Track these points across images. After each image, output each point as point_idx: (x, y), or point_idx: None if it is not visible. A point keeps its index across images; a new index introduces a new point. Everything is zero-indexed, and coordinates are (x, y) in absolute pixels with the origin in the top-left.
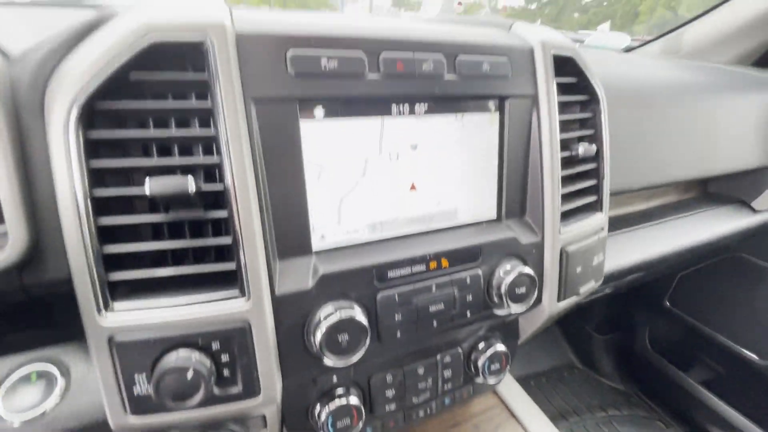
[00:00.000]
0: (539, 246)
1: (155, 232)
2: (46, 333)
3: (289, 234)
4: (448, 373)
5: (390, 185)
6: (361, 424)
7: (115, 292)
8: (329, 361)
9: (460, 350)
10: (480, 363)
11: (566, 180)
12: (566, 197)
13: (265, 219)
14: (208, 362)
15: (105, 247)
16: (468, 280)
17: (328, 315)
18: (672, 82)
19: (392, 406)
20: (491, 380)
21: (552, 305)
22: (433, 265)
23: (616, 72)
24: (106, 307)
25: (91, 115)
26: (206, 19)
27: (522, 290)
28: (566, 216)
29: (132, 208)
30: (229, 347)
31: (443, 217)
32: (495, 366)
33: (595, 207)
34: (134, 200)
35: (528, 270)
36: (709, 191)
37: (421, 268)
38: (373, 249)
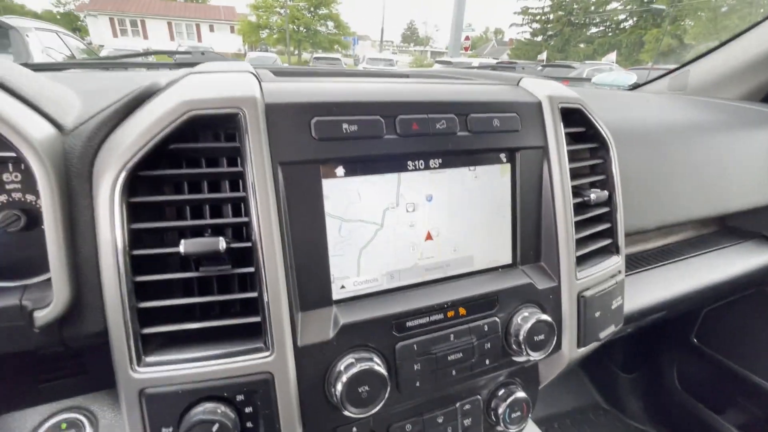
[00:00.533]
0: (556, 291)
1: (185, 287)
2: (77, 382)
3: (311, 286)
4: (467, 422)
5: (407, 235)
6: None
7: (147, 345)
8: (350, 413)
9: (479, 398)
10: (500, 411)
11: (580, 225)
12: (580, 242)
13: (288, 273)
14: (233, 415)
15: (140, 303)
16: (486, 328)
17: (349, 365)
18: (682, 121)
19: None
20: (512, 429)
21: (572, 351)
22: (451, 314)
23: (626, 112)
24: (139, 361)
25: (134, 181)
26: (239, 93)
27: (540, 337)
28: (582, 260)
29: (165, 266)
30: (253, 399)
31: (460, 264)
32: (516, 414)
33: (611, 250)
34: (168, 258)
35: (546, 317)
36: (728, 225)
37: (439, 316)
38: (391, 298)
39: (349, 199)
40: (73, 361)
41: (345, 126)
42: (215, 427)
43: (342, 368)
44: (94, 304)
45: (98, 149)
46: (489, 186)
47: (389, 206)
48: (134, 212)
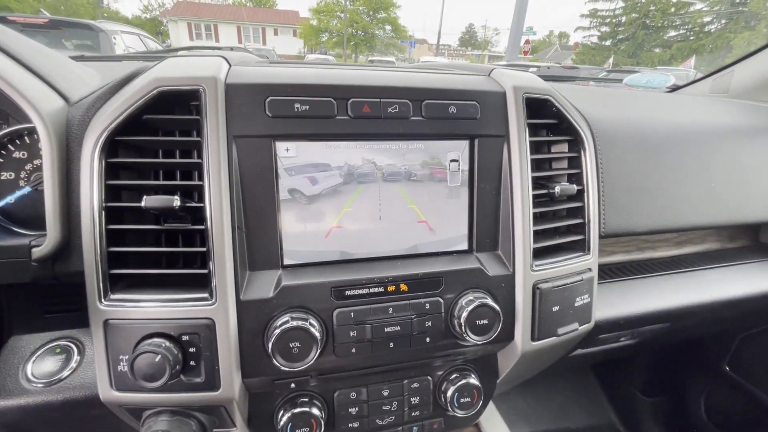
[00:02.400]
0: (509, 280)
1: (154, 240)
2: (72, 317)
3: (261, 250)
4: (415, 400)
5: (359, 212)
6: None
7: (114, 286)
8: (279, 364)
9: (429, 378)
10: (449, 394)
11: (543, 217)
12: (542, 234)
13: (236, 235)
14: (175, 351)
15: (110, 248)
16: (427, 306)
17: (284, 322)
18: (719, 123)
19: (355, 424)
20: (459, 413)
21: (525, 343)
22: (391, 288)
23: (651, 112)
24: (106, 296)
25: (114, 146)
26: (202, 73)
27: (483, 322)
28: (543, 253)
29: (136, 221)
30: (195, 341)
31: (411, 245)
32: (465, 399)
33: (581, 247)
34: (138, 214)
35: (490, 302)
36: (762, 241)
37: (379, 289)
38: (337, 268)
39: (301, 175)
40: (70, 299)
41: (297, 105)
42: (158, 357)
43: (277, 323)
44: (79, 247)
45: (92, 118)
46: (446, 169)
47: (342, 183)
48: (114, 173)
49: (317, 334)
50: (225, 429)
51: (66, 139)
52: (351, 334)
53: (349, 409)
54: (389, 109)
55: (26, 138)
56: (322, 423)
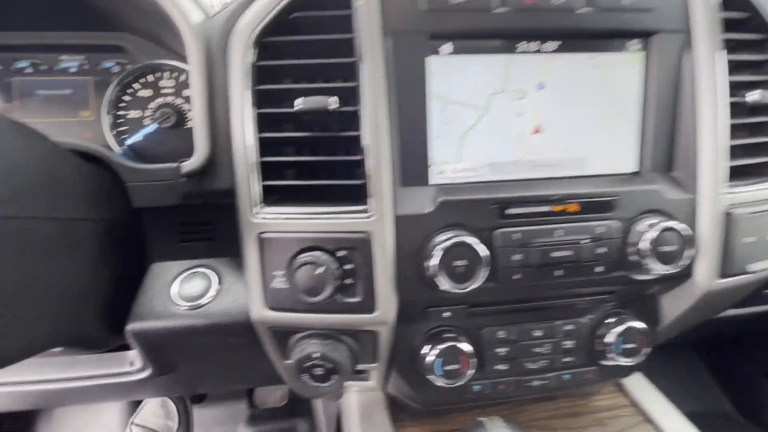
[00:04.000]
0: (690, 204)
1: (301, 150)
2: (207, 246)
3: (410, 164)
4: (569, 344)
5: (513, 125)
6: (469, 373)
7: (267, 199)
8: (444, 286)
9: (585, 321)
10: (610, 338)
11: (736, 132)
12: (735, 151)
13: (391, 144)
14: (335, 264)
15: (263, 158)
16: (603, 229)
17: (446, 239)
18: None
19: (504, 366)
20: (622, 360)
21: (709, 281)
22: (558, 208)
23: None
24: (259, 208)
25: (261, 48)
26: None
27: (671, 248)
28: (736, 175)
29: (284, 128)
30: (353, 256)
31: (572, 165)
32: (629, 345)
33: None
34: (286, 118)
35: (679, 225)
36: None
37: (546, 209)
38: (492, 187)
39: (453, 79)
40: (205, 227)
41: None
42: (320, 269)
43: (438, 240)
44: (225, 164)
45: (232, 28)
46: (614, 78)
47: (495, 91)
48: (260, 77)
49: (483, 252)
50: (366, 365)
51: (207, 53)
52: (513, 257)
53: (497, 349)
54: (553, 0)
55: (151, 76)
56: (474, 361)
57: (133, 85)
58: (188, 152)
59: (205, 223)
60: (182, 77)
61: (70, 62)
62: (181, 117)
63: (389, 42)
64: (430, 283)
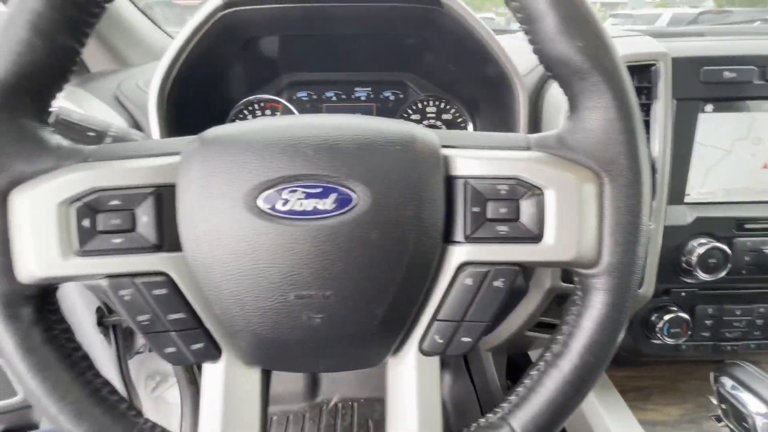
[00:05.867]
0: None
1: None
2: None
3: (673, 188)
4: (759, 322)
5: (748, 162)
6: (686, 336)
7: None
8: (701, 276)
9: None
10: None
11: None
12: None
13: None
14: None
15: None
16: None
17: (701, 244)
18: None
19: (707, 334)
20: None
21: None
22: None
23: None
24: None
25: None
26: (650, 50)
27: None
28: None
29: None
30: None
31: None
32: None
33: None
34: None
35: None
36: None
37: None
38: (730, 207)
39: (710, 129)
40: None
41: (726, 74)
42: None
43: (695, 244)
44: None
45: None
46: None
47: (739, 137)
48: None
49: (728, 251)
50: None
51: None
52: (745, 259)
53: (706, 321)
54: None
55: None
56: (691, 327)
57: (408, 110)
58: None
59: None
60: (442, 104)
61: (361, 92)
62: None
63: (673, 105)
64: (688, 272)
